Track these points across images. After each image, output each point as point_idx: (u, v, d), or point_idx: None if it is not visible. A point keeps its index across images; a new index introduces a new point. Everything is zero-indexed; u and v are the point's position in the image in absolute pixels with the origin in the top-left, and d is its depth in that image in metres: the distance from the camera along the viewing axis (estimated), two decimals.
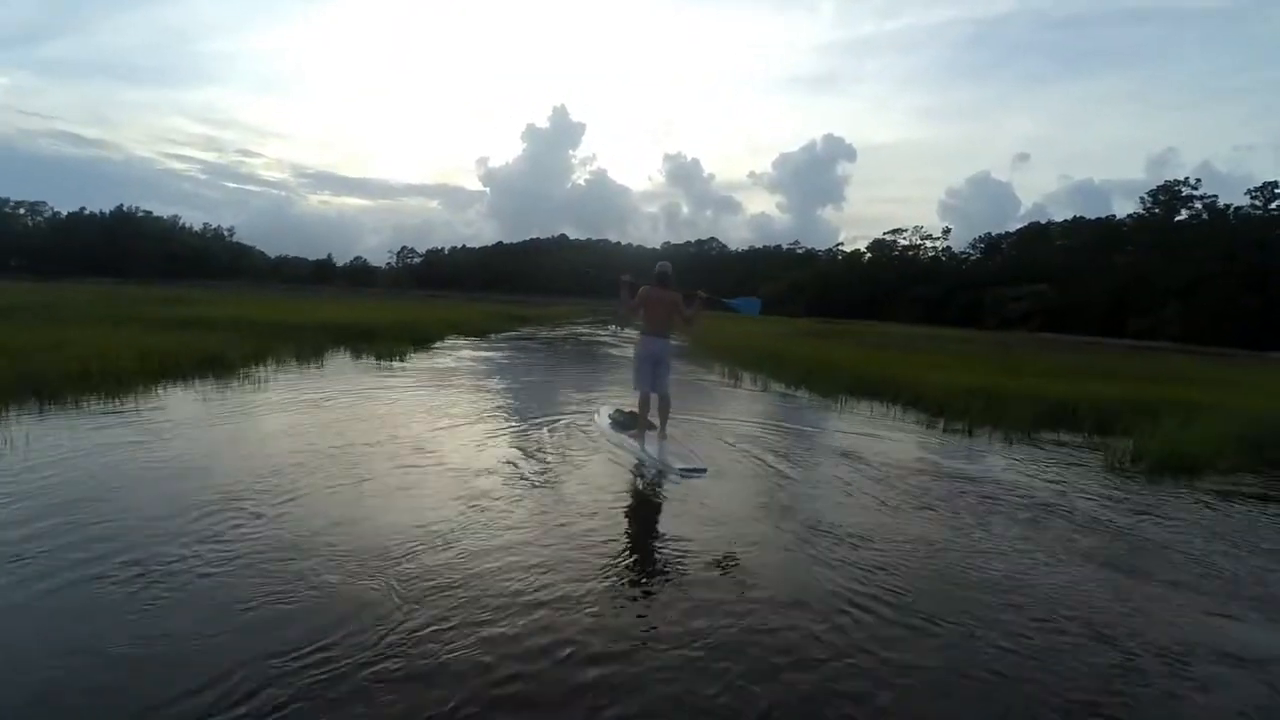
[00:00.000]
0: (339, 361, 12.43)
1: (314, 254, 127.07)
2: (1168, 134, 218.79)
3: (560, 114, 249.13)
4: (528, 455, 6.03)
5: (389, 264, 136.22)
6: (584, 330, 29.96)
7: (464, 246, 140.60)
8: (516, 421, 7.64)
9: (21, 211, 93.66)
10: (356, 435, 6.35)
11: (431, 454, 5.88)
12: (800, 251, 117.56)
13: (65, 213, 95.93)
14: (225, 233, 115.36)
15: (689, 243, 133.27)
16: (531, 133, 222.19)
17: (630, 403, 6.96)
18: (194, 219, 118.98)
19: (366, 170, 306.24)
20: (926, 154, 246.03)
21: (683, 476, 5.45)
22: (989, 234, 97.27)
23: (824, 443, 7.53)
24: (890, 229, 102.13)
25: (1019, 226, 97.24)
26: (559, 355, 18.34)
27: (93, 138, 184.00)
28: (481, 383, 10.97)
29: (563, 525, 4.28)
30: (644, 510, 4.89)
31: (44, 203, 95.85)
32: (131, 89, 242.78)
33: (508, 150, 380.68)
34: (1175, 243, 67.26)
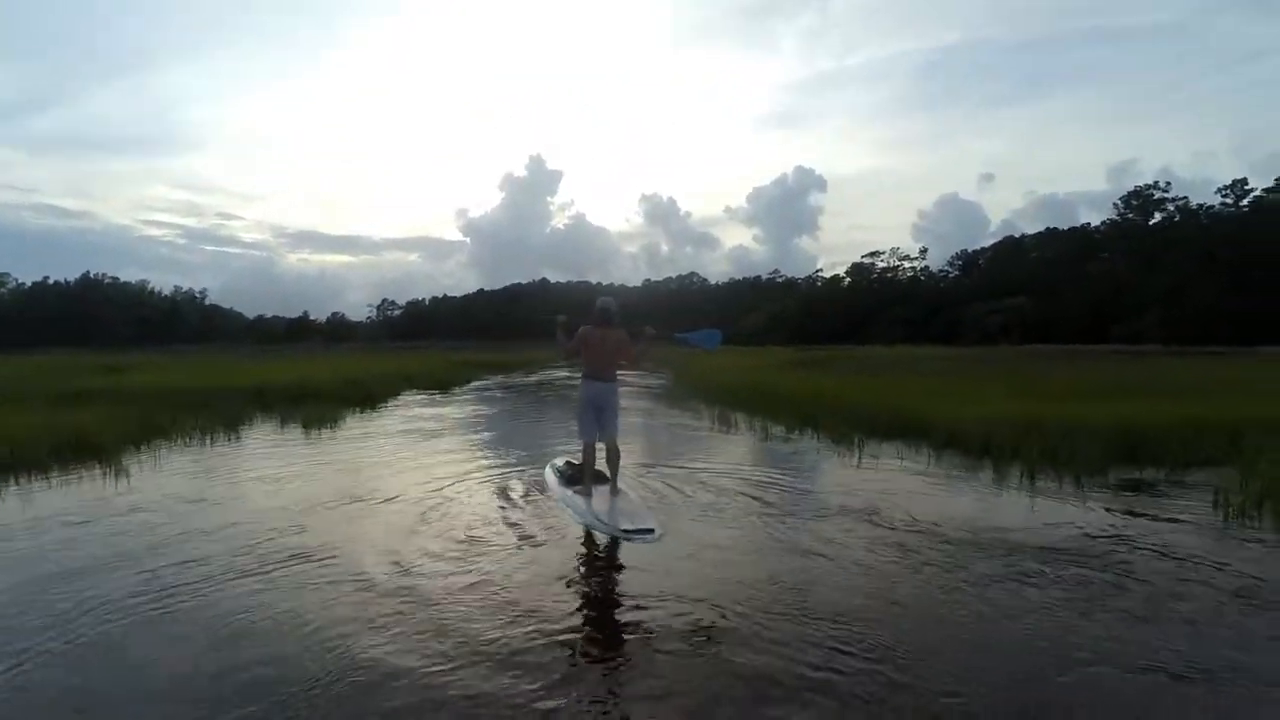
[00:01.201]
0: (259, 432, 10.76)
1: (295, 312, 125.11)
2: (1126, 145, 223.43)
3: (537, 162, 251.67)
4: (432, 555, 4.49)
5: (369, 318, 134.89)
6: (560, 374, 28.45)
7: (445, 296, 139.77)
8: (443, 491, 6.37)
9: None
10: (205, 550, 4.71)
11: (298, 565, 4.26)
12: (780, 280, 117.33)
13: (30, 283, 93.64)
14: (197, 295, 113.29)
15: (669, 278, 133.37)
16: (509, 181, 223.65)
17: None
18: (171, 283, 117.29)
19: (347, 227, 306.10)
20: (895, 179, 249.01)
21: (626, 539, 4.72)
22: (964, 251, 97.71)
23: (840, 500, 6.02)
24: (867, 253, 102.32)
25: (993, 242, 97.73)
26: (522, 404, 16.75)
27: (73, 209, 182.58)
28: (417, 449, 9.31)
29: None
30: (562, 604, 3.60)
31: (8, 274, 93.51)
32: (113, 159, 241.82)
33: (486, 200, 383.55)
34: (1151, 246, 67.27)
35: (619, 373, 5.89)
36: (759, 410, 12.13)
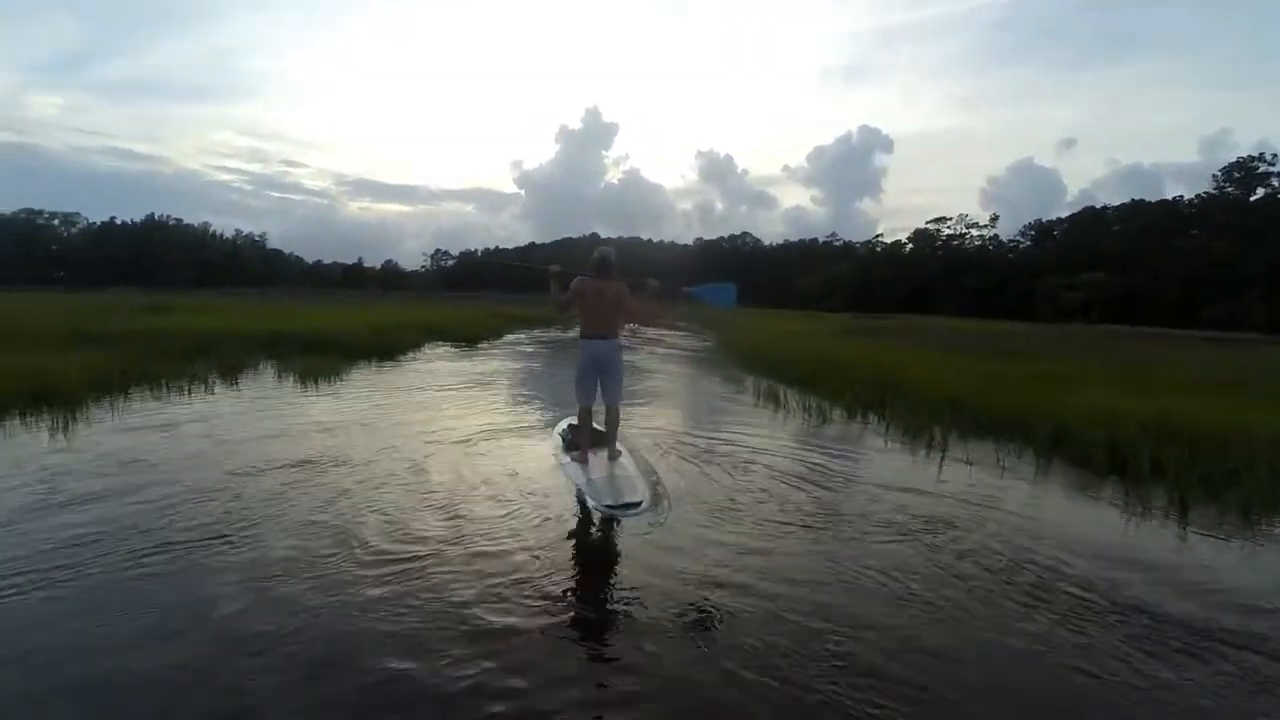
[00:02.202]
0: (252, 384, 9.83)
1: (354, 259, 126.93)
2: (1221, 115, 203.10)
3: (593, 115, 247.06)
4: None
5: (423, 267, 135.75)
6: None
7: (497, 248, 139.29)
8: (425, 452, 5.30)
9: (56, 223, 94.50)
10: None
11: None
12: (837, 244, 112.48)
13: (99, 222, 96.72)
14: (257, 239, 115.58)
15: (721, 239, 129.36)
16: (565, 134, 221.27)
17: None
18: (240, 227, 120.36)
19: (405, 177, 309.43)
20: (965, 142, 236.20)
21: (610, 514, 4.34)
22: (1039, 220, 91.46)
23: (909, 510, 4.55)
24: (932, 218, 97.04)
25: (1070, 213, 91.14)
26: (553, 361, 15.48)
27: (145, 153, 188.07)
28: (414, 405, 8.19)
29: None
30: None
31: (77, 214, 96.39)
32: (180, 105, 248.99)
33: (541, 153, 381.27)
34: (1253, 223, 61.39)
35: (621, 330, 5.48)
36: (813, 385, 10.58)
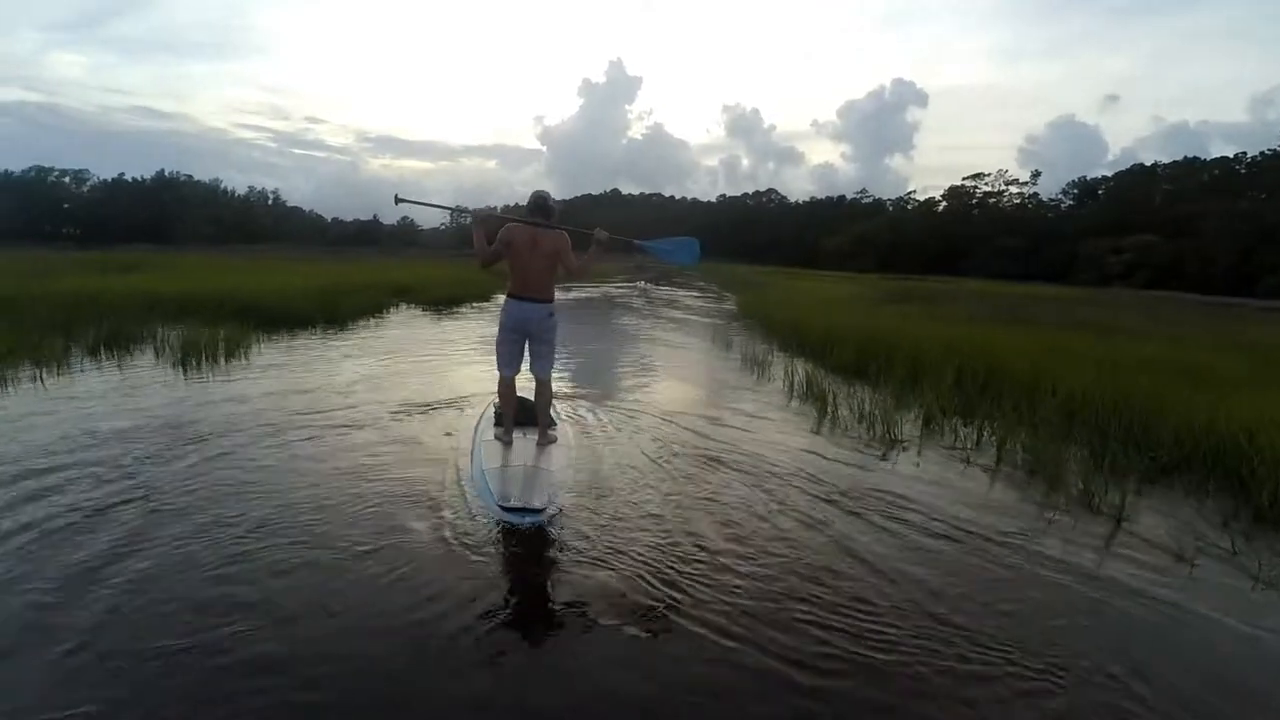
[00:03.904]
0: (140, 360, 7.66)
1: (384, 217, 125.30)
2: (1274, 71, 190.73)
3: (616, 68, 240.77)
4: None
5: (443, 224, 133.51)
6: (618, 291, 24.98)
7: (516, 205, 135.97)
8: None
9: (67, 180, 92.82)
10: None
11: None
12: (867, 201, 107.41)
13: (110, 178, 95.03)
14: (270, 195, 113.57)
15: (745, 195, 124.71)
16: (588, 88, 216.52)
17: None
18: (263, 185, 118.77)
19: (427, 133, 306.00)
20: (1003, 97, 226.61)
21: (504, 518, 3.41)
22: (1082, 178, 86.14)
23: None
24: (969, 175, 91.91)
25: (1113, 172, 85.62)
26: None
27: (168, 111, 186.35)
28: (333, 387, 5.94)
29: None
30: None
31: (87, 170, 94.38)
32: (200, 62, 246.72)
33: (564, 108, 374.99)
34: None
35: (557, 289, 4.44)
36: (865, 373, 8.13)
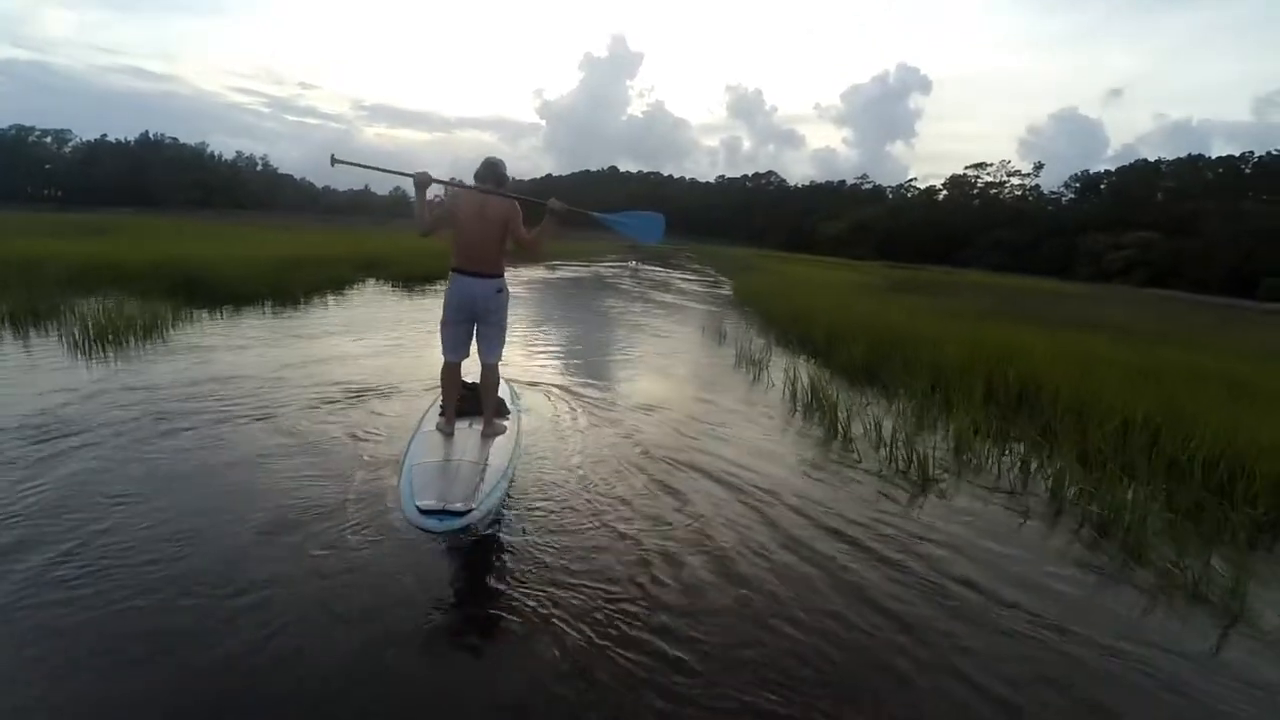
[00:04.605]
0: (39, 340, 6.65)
1: (375, 187, 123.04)
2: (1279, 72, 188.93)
3: (618, 42, 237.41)
4: None
5: (438, 196, 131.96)
6: (610, 271, 23.96)
7: (514, 179, 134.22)
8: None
9: (48, 140, 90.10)
10: None
11: None
12: (867, 187, 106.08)
13: (92, 139, 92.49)
14: (259, 161, 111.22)
15: (745, 176, 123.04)
16: (589, 63, 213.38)
17: None
18: (255, 151, 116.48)
19: (424, 103, 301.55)
20: (1008, 87, 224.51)
21: (419, 522, 2.98)
22: (1084, 172, 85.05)
23: None
24: (971, 164, 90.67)
25: (1116, 166, 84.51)
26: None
27: (160, 72, 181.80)
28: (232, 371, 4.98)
29: None
30: None
31: (68, 130, 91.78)
32: (192, 20, 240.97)
33: (564, 82, 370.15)
34: None
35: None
36: (878, 378, 7.20)
